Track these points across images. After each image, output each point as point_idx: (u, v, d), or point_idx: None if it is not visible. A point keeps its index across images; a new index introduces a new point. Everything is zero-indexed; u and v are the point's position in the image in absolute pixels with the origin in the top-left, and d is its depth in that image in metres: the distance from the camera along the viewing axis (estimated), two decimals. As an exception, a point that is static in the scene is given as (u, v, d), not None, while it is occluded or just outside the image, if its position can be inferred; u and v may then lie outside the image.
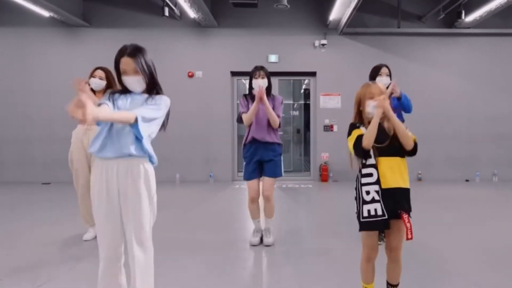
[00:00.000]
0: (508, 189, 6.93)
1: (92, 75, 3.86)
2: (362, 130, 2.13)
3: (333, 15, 7.22)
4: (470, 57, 8.14)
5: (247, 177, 3.61)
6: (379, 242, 2.28)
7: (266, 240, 3.67)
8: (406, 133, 2.06)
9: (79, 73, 7.93)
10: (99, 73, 3.86)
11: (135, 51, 1.96)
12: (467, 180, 7.99)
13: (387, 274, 2.25)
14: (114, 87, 3.83)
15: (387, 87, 3.51)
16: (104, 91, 3.83)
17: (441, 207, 5.43)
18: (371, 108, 2.10)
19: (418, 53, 8.12)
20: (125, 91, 2.04)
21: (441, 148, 8.06)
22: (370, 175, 2.05)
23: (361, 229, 2.11)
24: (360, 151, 2.07)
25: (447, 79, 8.11)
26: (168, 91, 2.14)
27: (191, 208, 5.50)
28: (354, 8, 6.54)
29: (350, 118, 2.29)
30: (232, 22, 7.99)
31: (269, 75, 3.59)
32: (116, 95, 2.01)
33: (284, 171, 3.73)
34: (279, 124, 3.56)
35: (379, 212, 2.00)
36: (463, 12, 7.39)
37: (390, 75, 3.67)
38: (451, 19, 7.89)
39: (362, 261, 2.22)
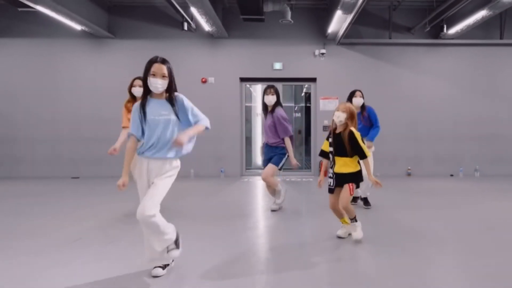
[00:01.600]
0: (486, 183, 7.79)
1: (132, 85, 4.49)
2: (327, 143, 3.76)
3: (331, 28, 8.12)
4: (455, 65, 9.04)
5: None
6: (353, 203, 3.92)
7: (272, 206, 5.05)
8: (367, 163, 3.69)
9: (103, 79, 8.89)
10: (139, 82, 4.43)
11: (164, 60, 2.81)
12: (451, 175, 8.88)
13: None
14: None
15: (362, 106, 5.12)
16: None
17: (426, 196, 6.27)
18: (335, 117, 3.60)
19: (408, 61, 9.02)
20: (143, 100, 2.77)
21: (429, 147, 8.95)
22: (331, 165, 3.76)
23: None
24: (321, 156, 3.89)
25: (434, 85, 9.00)
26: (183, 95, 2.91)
27: (208, 196, 6.40)
28: (350, 22, 7.44)
29: None
30: (241, 34, 8.90)
31: (278, 92, 4.94)
32: (146, 109, 2.73)
33: (286, 169, 5.00)
34: (289, 132, 4.91)
35: (332, 184, 3.74)
36: (445, 26, 8.33)
37: (363, 96, 5.15)
38: (436, 31, 8.80)
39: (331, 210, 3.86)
